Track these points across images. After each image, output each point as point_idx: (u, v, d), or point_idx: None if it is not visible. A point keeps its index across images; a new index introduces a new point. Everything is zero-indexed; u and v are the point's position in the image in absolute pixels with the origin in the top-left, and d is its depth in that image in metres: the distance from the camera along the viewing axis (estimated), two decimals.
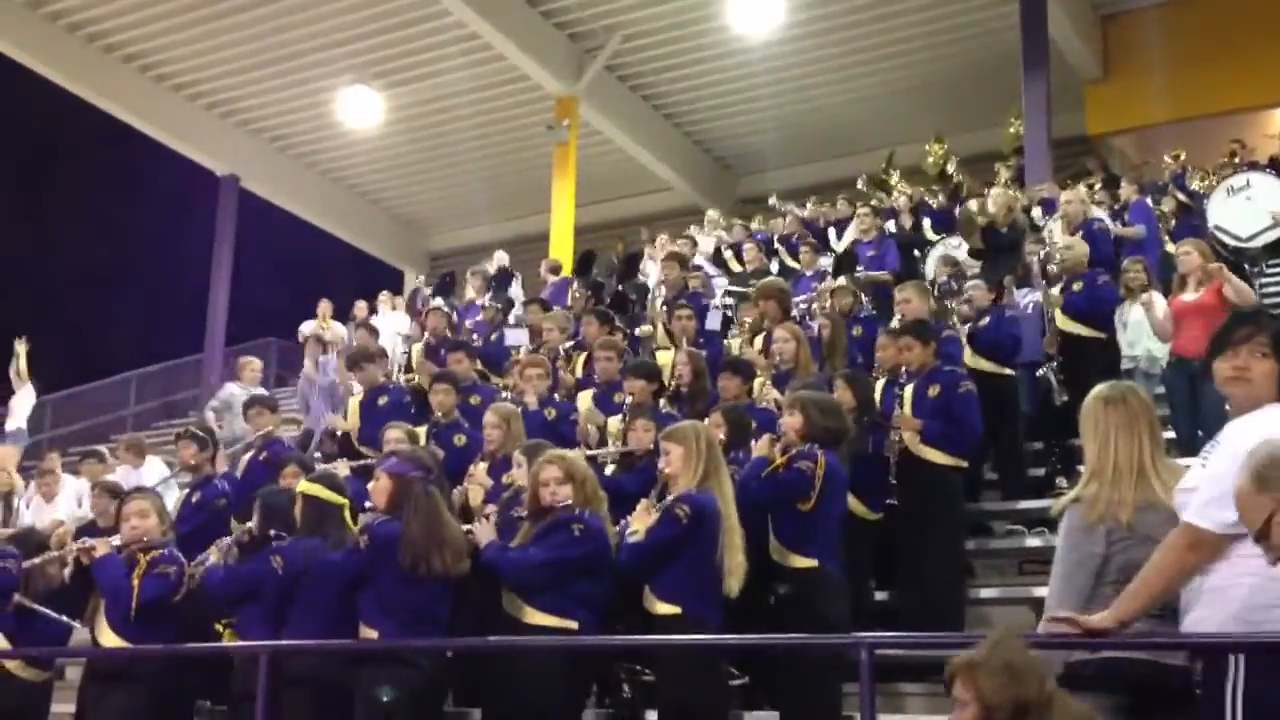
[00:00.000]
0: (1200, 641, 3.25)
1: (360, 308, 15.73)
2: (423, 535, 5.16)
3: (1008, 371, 8.24)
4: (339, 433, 9.25)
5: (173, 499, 8.15)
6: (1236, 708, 3.06)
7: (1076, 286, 8.72)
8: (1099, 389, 3.88)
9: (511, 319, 12.38)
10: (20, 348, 14.29)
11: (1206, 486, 3.22)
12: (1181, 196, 12.39)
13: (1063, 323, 8.63)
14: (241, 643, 5.90)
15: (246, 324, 19.97)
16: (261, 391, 11.25)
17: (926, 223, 13.14)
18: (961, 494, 7.15)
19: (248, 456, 8.25)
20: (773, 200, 16.13)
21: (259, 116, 20.04)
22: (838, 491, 5.88)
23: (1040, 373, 8.39)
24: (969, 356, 8.09)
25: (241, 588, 5.75)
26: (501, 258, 15.71)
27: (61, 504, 9.99)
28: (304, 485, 5.85)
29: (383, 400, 8.77)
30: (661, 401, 7.82)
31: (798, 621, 5.42)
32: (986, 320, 8.40)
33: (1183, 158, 13.25)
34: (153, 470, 9.81)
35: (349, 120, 19.25)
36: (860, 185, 15.58)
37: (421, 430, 7.82)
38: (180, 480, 8.37)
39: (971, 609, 6.87)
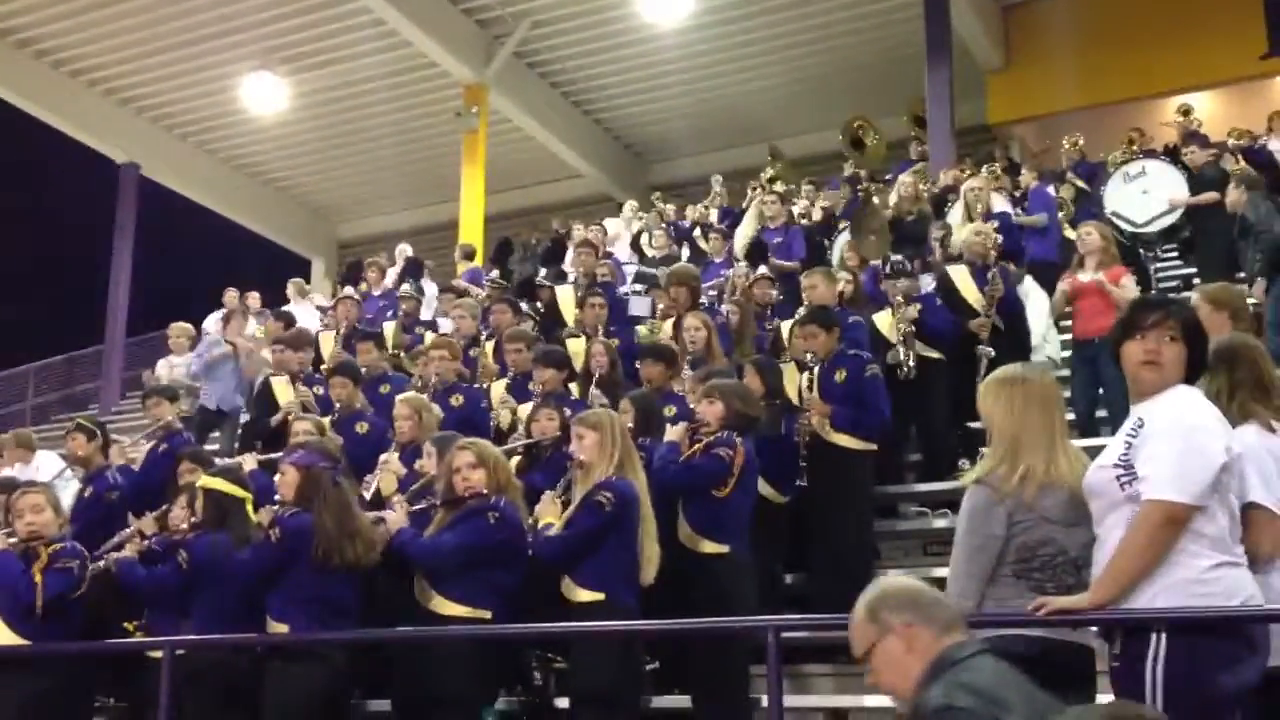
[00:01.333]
0: (1122, 618, 3.30)
1: (230, 297, 15.17)
2: (335, 526, 5.15)
3: (937, 355, 8.27)
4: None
5: (71, 492, 7.97)
6: (1157, 684, 3.13)
7: (994, 278, 8.81)
8: (1004, 370, 3.94)
9: (424, 309, 12.29)
10: None
11: (1161, 465, 3.25)
12: (1079, 183, 12.65)
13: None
14: (146, 638, 5.82)
15: (149, 314, 19.55)
16: (162, 380, 11.07)
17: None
18: (871, 477, 7.25)
19: (146, 448, 8.10)
20: (715, 179, 16.00)
21: (160, 103, 19.61)
22: (751, 478, 5.95)
23: (979, 350, 8.43)
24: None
25: (162, 590, 5.67)
26: (405, 249, 15.57)
27: None
28: (205, 480, 5.79)
29: (317, 390, 8.68)
30: (573, 388, 7.85)
31: (707, 606, 5.47)
32: (918, 306, 8.35)
33: (1081, 143, 13.52)
34: (47, 465, 9.55)
35: (254, 107, 18.89)
36: (764, 177, 15.64)
37: (325, 420, 7.75)
38: (77, 474, 8.18)
39: None
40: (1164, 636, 3.15)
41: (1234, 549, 3.28)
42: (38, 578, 5.54)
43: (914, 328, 8.12)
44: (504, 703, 5.87)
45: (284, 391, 8.82)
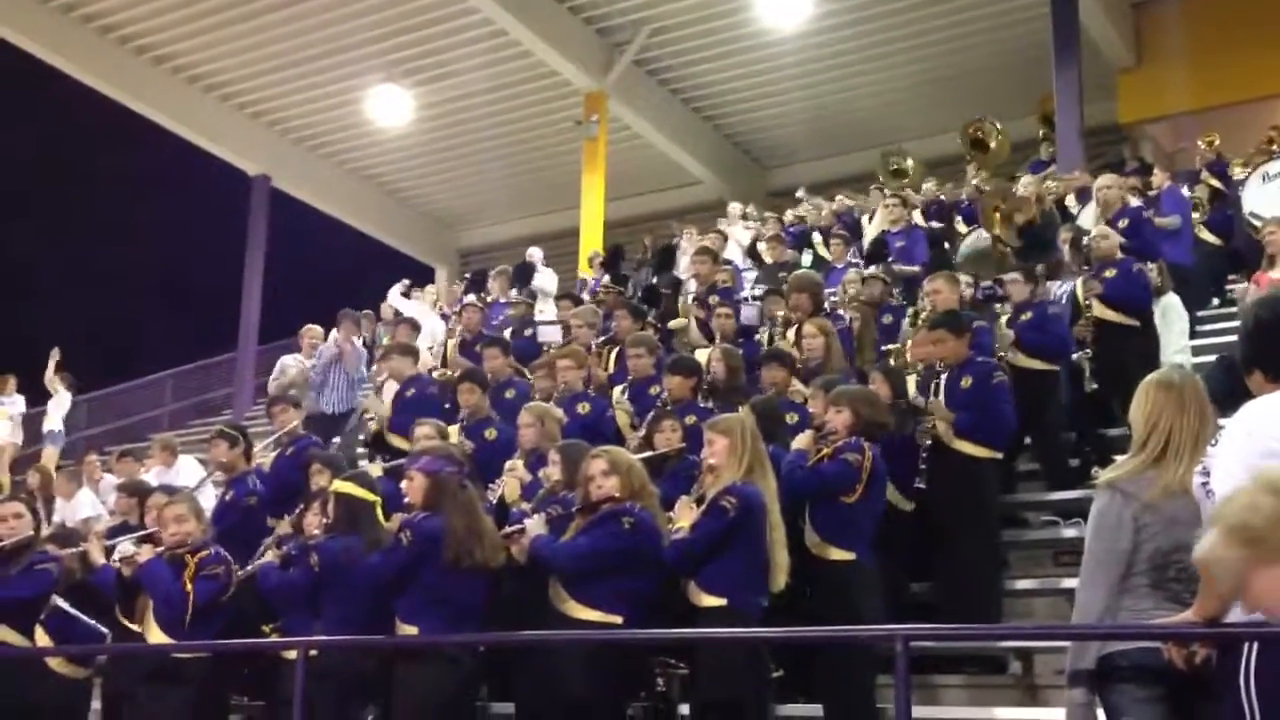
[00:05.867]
0: (1211, 632, 3.20)
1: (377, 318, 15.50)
2: (464, 528, 5.23)
3: (1053, 367, 8.05)
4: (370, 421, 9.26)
5: (212, 498, 8.22)
6: (1251, 693, 3.04)
7: (1109, 273, 8.60)
8: (1161, 373, 3.85)
9: (536, 314, 12.39)
10: (52, 358, 14.43)
11: (1222, 476, 3.16)
12: (1215, 183, 12.27)
13: (1098, 310, 8.51)
14: (280, 638, 5.97)
15: (279, 322, 20.06)
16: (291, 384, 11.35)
17: (957, 218, 13.07)
18: (997, 485, 7.11)
19: (274, 454, 8.33)
20: (800, 193, 16.07)
21: (290, 116, 20.13)
22: (880, 485, 5.92)
23: (1075, 357, 8.27)
24: (1012, 355, 7.91)
25: (294, 593, 5.81)
26: (534, 254, 15.73)
27: (85, 502, 10.14)
28: (337, 484, 5.92)
29: (410, 392, 8.82)
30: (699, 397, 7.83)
31: (834, 614, 5.43)
32: (1029, 315, 8.15)
33: (1216, 143, 13.12)
34: (187, 470, 9.89)
35: (379, 119, 19.32)
36: (880, 180, 15.47)
37: (454, 427, 7.85)
38: (216, 479, 8.44)
39: (1007, 601, 6.85)
40: (1254, 647, 3.05)
41: None
42: (188, 586, 5.73)
43: (1014, 348, 7.95)
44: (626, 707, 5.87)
45: (390, 398, 9.00)
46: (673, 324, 10.60)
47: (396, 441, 8.34)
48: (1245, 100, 16.33)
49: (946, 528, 6.71)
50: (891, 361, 7.91)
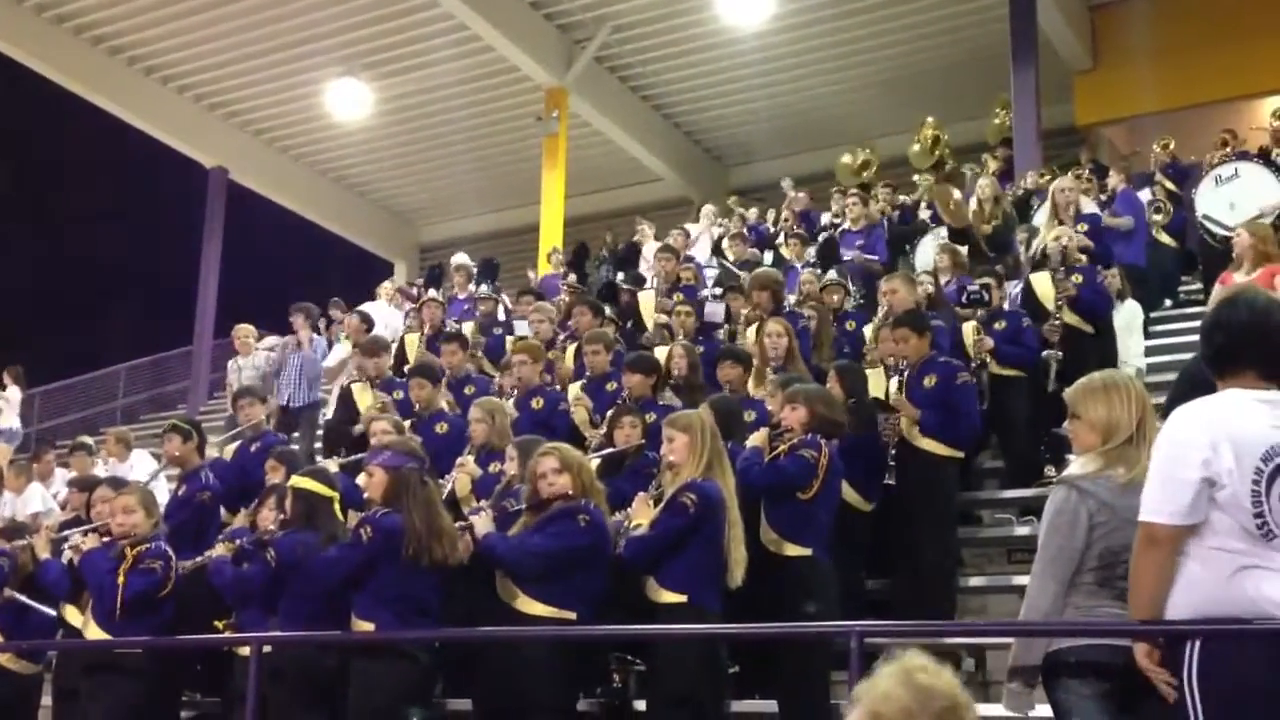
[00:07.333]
0: (1155, 628, 3.27)
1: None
2: (424, 525, 5.20)
3: (1022, 374, 8.08)
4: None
5: (165, 492, 8.15)
6: (1194, 688, 3.09)
7: (1076, 279, 8.64)
8: (1108, 373, 3.90)
9: (500, 311, 12.36)
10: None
11: (1146, 485, 3.22)
12: (1170, 185, 12.40)
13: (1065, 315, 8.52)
14: (232, 634, 5.93)
15: (236, 316, 19.87)
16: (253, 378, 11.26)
17: (926, 214, 13.13)
18: (956, 484, 7.17)
19: (235, 446, 8.26)
20: (785, 182, 16.00)
21: (248, 109, 19.96)
22: (836, 482, 5.94)
23: (1045, 355, 8.29)
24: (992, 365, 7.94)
25: (250, 588, 5.77)
26: (461, 258, 15.66)
27: (34, 496, 10.05)
28: (296, 480, 5.87)
29: (398, 394, 8.77)
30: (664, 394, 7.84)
31: (790, 610, 5.45)
32: (1003, 325, 8.14)
33: (1171, 146, 13.26)
34: (140, 464, 9.82)
35: (338, 112, 19.14)
36: (840, 184, 15.54)
37: (408, 422, 7.82)
38: (168, 474, 8.36)
39: (960, 598, 6.91)
40: (1197, 643, 3.11)
41: (1260, 553, 3.12)
42: (121, 578, 5.68)
43: (988, 356, 7.98)
44: (582, 703, 5.87)
45: (364, 397, 8.93)
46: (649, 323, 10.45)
47: None
48: (1201, 103, 16.50)
49: (905, 525, 6.76)
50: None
